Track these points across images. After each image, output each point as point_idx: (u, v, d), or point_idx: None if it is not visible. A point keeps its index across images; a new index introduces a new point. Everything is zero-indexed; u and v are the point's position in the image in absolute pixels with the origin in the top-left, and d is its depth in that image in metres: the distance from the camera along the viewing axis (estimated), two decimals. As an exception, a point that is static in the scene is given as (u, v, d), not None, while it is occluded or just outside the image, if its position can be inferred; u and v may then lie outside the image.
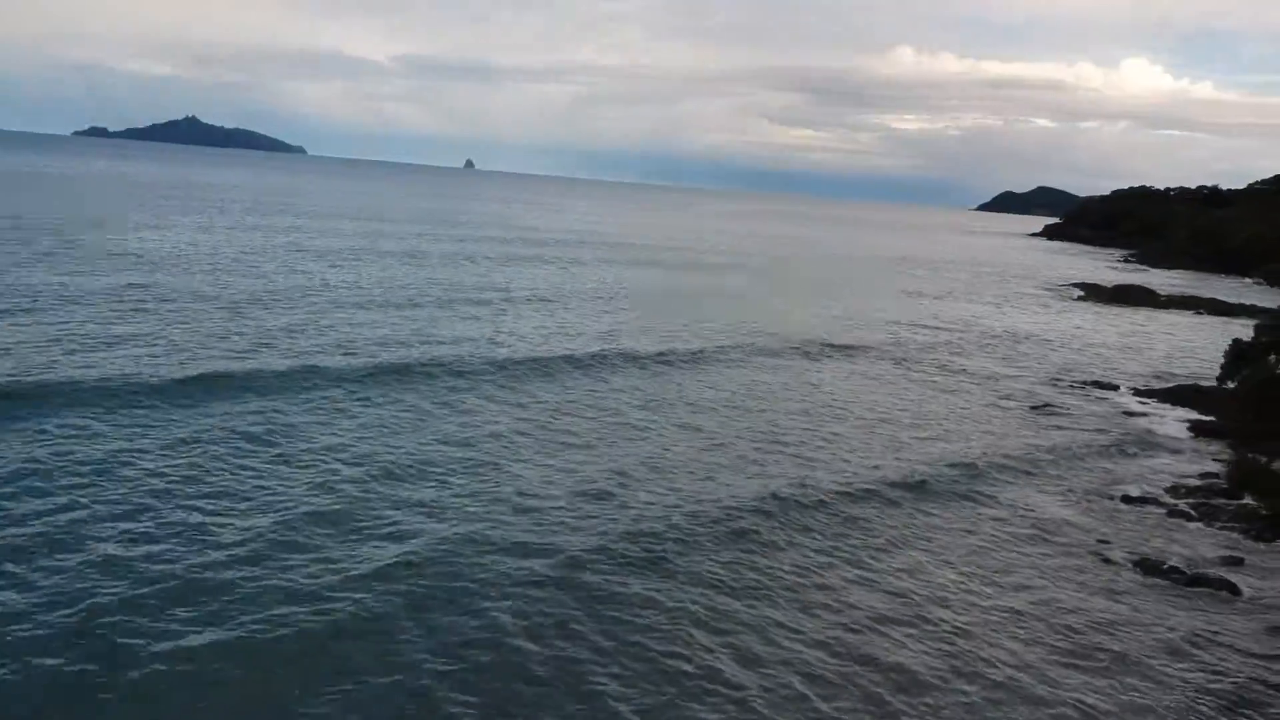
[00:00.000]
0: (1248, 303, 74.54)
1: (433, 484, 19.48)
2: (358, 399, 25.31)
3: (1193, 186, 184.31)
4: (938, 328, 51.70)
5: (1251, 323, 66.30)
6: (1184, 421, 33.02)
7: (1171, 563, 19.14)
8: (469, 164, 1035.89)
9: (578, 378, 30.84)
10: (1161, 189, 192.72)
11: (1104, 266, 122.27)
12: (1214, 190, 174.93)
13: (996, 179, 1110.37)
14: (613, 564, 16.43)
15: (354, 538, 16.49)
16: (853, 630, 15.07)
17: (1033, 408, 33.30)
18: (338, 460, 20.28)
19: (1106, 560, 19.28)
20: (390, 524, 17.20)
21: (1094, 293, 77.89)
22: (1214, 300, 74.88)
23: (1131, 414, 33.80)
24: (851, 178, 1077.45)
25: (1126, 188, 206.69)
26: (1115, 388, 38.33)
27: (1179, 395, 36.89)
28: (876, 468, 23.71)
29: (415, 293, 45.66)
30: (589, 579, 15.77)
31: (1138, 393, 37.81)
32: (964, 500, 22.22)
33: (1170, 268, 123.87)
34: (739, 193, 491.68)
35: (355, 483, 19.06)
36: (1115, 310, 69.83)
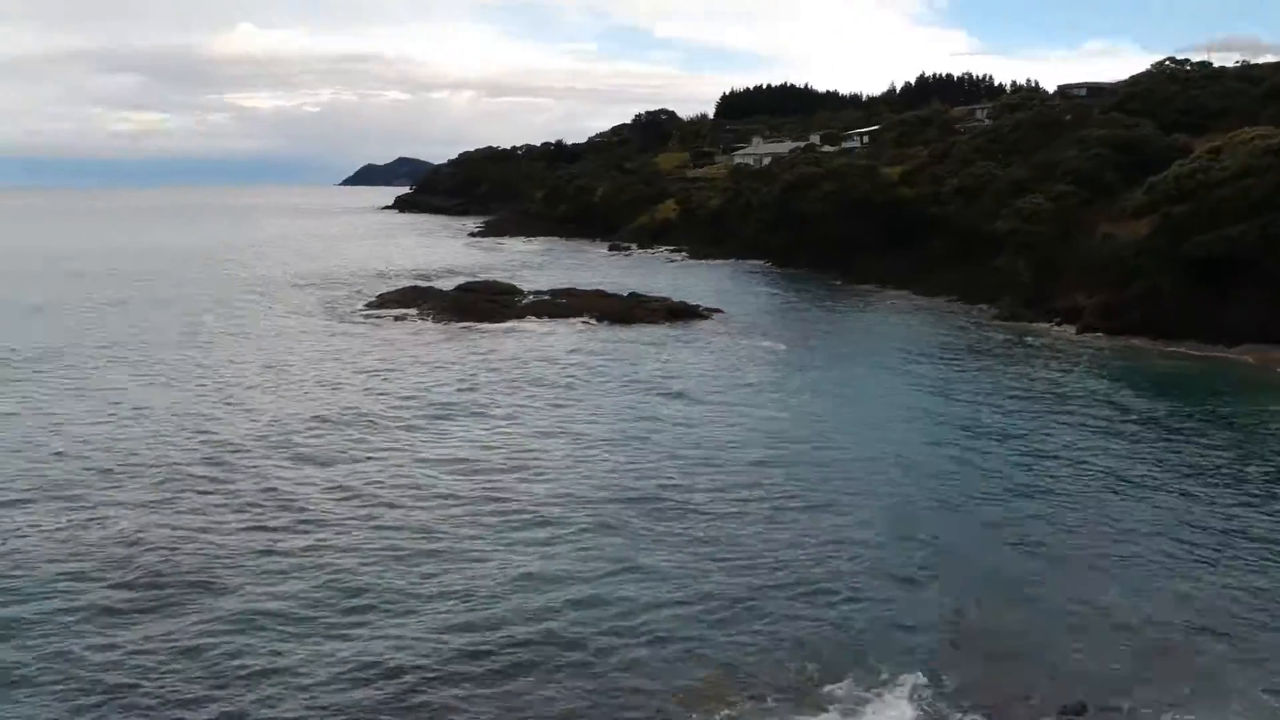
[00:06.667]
0: (653, 291, 49.61)
1: None
2: None
3: (538, 144, 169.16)
4: None
5: (665, 331, 39.79)
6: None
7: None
8: None
9: None
10: (509, 148, 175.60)
11: (457, 245, 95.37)
12: (559, 144, 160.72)
13: (359, 153, 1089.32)
14: None
15: None
16: None
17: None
18: None
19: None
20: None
21: (425, 304, 46.98)
22: (600, 296, 48.32)
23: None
24: (209, 162, 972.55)
25: (474, 150, 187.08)
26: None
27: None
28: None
29: None
30: None
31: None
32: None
33: (531, 234, 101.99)
34: (75, 191, 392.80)
35: None
36: (458, 342, 39.54)
